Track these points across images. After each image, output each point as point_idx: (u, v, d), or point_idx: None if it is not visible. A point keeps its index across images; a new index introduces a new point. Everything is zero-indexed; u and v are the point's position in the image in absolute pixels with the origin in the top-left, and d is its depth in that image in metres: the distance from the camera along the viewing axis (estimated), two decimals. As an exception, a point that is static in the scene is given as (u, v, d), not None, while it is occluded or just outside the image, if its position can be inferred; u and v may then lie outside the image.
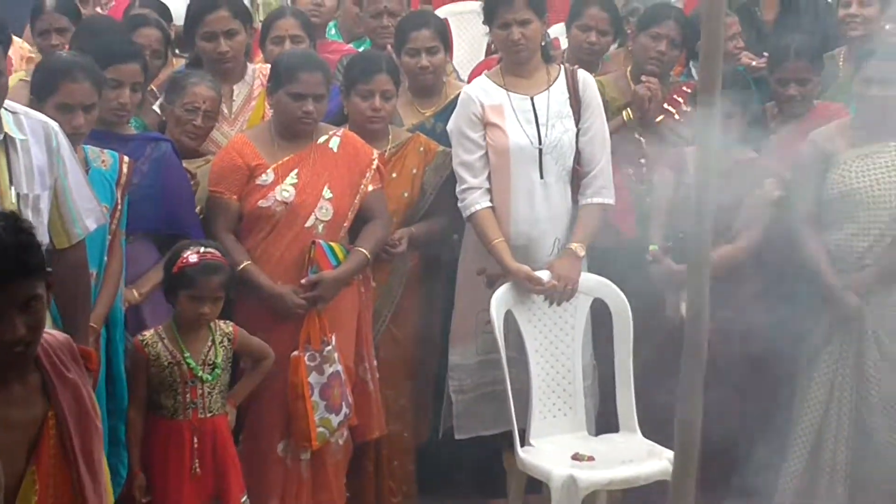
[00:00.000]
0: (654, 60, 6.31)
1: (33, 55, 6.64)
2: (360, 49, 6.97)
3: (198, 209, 5.57)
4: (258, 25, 6.78)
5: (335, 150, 5.65)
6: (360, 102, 5.84)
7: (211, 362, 5.15)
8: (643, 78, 6.28)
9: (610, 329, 5.84)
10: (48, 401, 3.08)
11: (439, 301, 6.18)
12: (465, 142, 5.79)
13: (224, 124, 6.02)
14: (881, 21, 6.89)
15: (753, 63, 6.84)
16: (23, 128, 4.34)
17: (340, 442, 5.66)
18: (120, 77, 5.28)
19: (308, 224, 5.54)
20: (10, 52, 5.77)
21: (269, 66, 5.99)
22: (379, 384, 5.86)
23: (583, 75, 5.93)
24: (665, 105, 6.33)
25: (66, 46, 6.05)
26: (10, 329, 2.90)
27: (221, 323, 5.24)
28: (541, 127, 5.80)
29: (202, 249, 5.11)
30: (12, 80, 5.22)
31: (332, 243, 5.55)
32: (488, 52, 7.26)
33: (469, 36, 9.08)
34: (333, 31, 7.50)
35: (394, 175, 5.95)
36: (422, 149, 6.04)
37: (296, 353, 5.47)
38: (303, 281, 5.50)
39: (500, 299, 5.68)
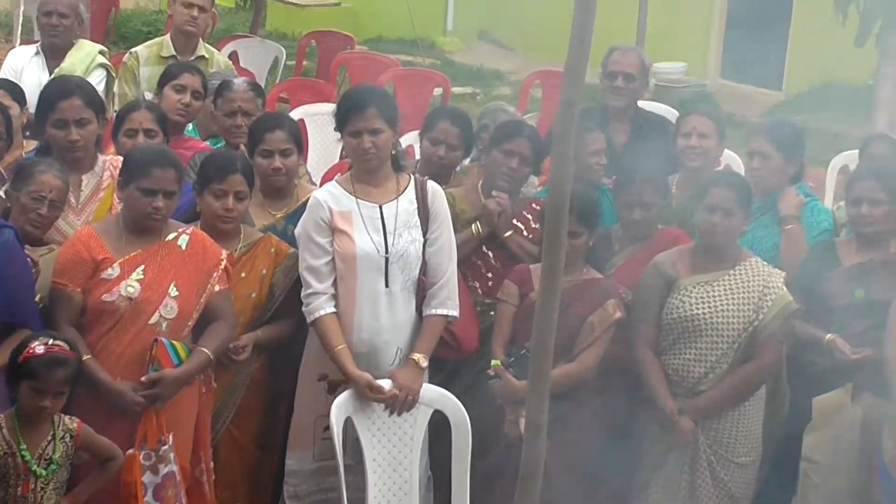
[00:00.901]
0: (505, 176, 6.41)
1: None
2: (216, 147, 7.00)
3: (38, 298, 5.52)
4: (112, 116, 6.79)
5: (183, 248, 5.64)
6: (214, 202, 5.86)
7: (48, 457, 5.09)
8: (493, 193, 6.39)
9: (449, 441, 5.86)
10: None
11: (282, 404, 6.16)
12: (312, 246, 5.80)
13: (70, 214, 5.99)
14: (719, 152, 7.17)
15: (606, 182, 7.00)
16: None
17: (172, 544, 5.61)
18: None
19: (152, 321, 5.52)
20: None
21: (120, 157, 5.99)
22: (214, 486, 5.83)
23: (432, 186, 5.98)
24: (514, 221, 6.43)
25: None
26: None
27: (66, 418, 5.18)
28: (388, 236, 5.82)
29: (50, 342, 5.08)
30: None
31: (174, 342, 5.52)
32: (343, 154, 7.33)
33: (324, 137, 9.23)
34: (191, 127, 7.53)
35: (242, 275, 5.95)
36: (272, 250, 6.05)
37: (131, 451, 5.41)
38: (143, 378, 5.46)
39: (340, 406, 5.68)
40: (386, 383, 5.77)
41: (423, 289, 5.92)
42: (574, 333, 5.95)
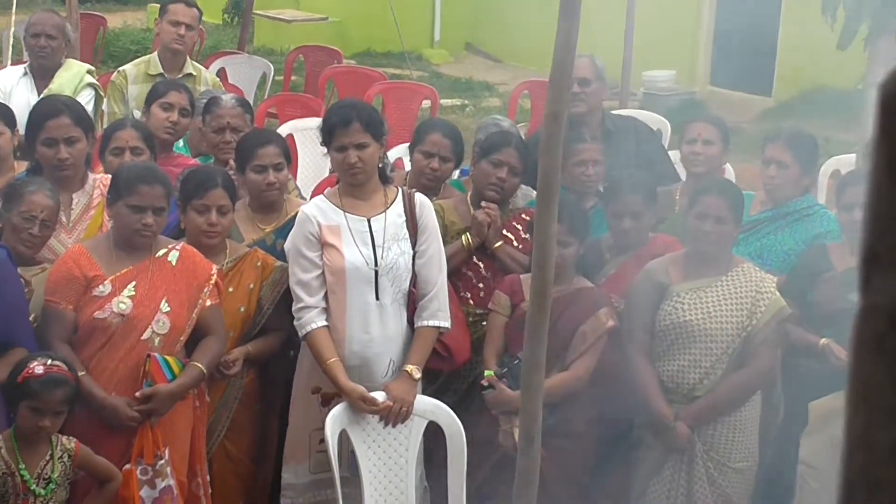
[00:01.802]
0: (494, 186, 6.47)
1: None
2: (205, 164, 7.02)
3: (32, 317, 5.56)
4: (100, 134, 6.83)
5: (174, 263, 5.69)
6: (197, 217, 5.91)
7: (47, 476, 5.15)
8: (483, 203, 6.44)
9: (444, 452, 5.90)
10: None
11: (275, 417, 6.22)
12: (301, 261, 5.84)
13: (62, 232, 6.04)
14: (723, 159, 7.18)
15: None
16: None
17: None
18: None
19: (144, 337, 5.56)
20: None
21: (109, 176, 6.03)
22: (211, 499, 5.86)
23: (420, 198, 6.01)
24: (504, 231, 6.48)
25: None
26: None
27: (63, 438, 5.23)
28: (377, 249, 5.85)
29: (48, 362, 5.14)
30: None
31: (167, 357, 5.57)
32: (332, 169, 7.35)
33: (312, 151, 9.26)
34: (181, 144, 7.57)
35: (230, 290, 5.98)
36: (259, 263, 6.09)
37: (128, 466, 5.45)
38: (137, 394, 5.51)
39: (334, 419, 5.71)
40: (380, 395, 5.79)
41: (413, 301, 5.95)
42: (566, 343, 5.97)
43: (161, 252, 5.70)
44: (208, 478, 5.86)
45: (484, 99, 16.69)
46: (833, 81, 14.68)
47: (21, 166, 6.59)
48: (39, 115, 6.26)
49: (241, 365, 5.99)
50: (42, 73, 8.27)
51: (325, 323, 5.81)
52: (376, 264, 5.84)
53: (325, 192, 6.12)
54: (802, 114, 14.03)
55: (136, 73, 8.49)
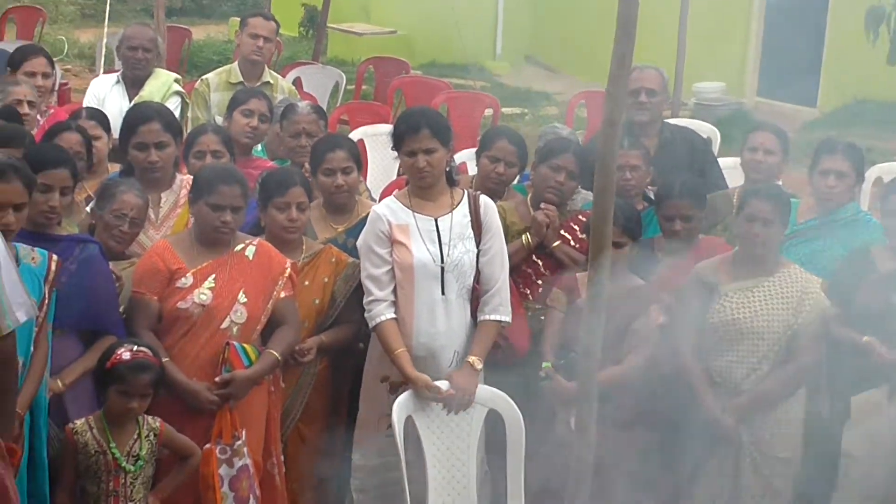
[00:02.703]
0: (552, 189, 6.49)
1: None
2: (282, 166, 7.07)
3: (122, 308, 5.64)
4: (186, 138, 6.90)
5: (251, 258, 5.75)
6: (278, 214, 5.97)
7: (135, 454, 5.27)
8: (542, 205, 6.46)
9: (504, 440, 5.90)
10: None
11: (345, 403, 6.26)
12: (372, 257, 5.87)
13: (150, 229, 6.13)
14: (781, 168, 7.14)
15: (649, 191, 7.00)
16: None
17: (247, 531, 5.71)
18: (50, 181, 5.37)
19: (223, 326, 5.64)
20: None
21: (194, 177, 6.11)
22: (285, 479, 5.93)
23: (484, 200, 6.01)
24: (562, 231, 6.50)
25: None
26: None
27: (149, 418, 5.35)
28: (443, 247, 5.87)
29: (135, 348, 5.27)
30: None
31: (245, 345, 5.65)
32: (400, 171, 7.38)
33: (382, 155, 9.31)
34: (259, 148, 7.67)
35: (306, 283, 6.04)
36: (333, 259, 6.15)
37: (208, 445, 5.53)
38: (216, 379, 5.59)
39: (401, 405, 5.73)
40: (443, 384, 5.81)
41: (476, 296, 5.96)
42: (620, 338, 5.97)
43: (239, 247, 5.77)
44: (282, 458, 5.92)
45: (542, 108, 16.66)
46: (877, 94, 14.58)
47: (114, 168, 6.69)
48: (132, 120, 6.35)
49: (315, 353, 6.05)
50: (133, 82, 8.37)
51: (393, 315, 5.84)
52: (442, 261, 5.86)
53: (395, 193, 6.14)
54: (847, 125, 13.93)
55: (217, 82, 8.58)
